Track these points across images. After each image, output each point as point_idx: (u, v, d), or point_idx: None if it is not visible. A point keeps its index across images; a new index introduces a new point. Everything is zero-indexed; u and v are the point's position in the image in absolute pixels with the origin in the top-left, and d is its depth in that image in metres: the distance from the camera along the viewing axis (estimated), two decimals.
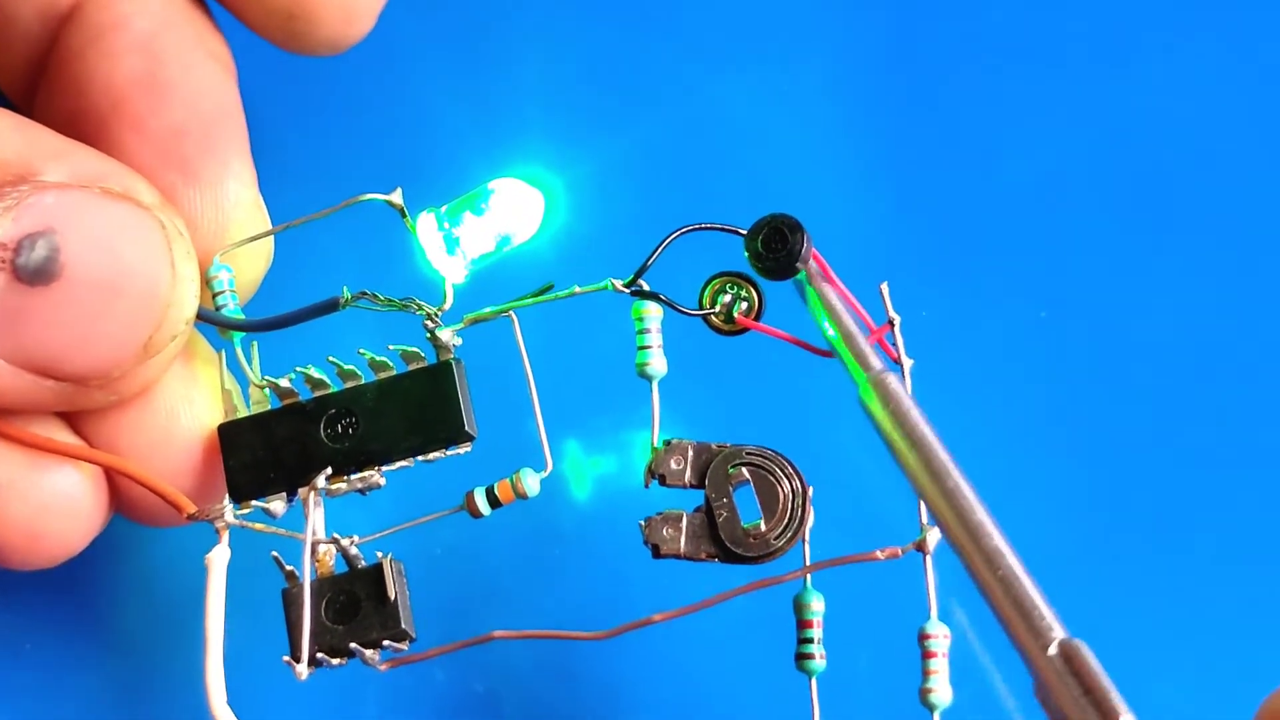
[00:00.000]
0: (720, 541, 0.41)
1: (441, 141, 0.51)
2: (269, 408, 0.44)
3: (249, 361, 0.44)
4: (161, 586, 0.49)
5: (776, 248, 0.41)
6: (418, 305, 0.42)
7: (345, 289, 0.42)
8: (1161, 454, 0.49)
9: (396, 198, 0.43)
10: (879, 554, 0.40)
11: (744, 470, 0.41)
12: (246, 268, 0.45)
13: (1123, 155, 0.51)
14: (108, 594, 0.48)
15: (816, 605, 0.41)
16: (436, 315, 0.43)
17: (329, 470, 0.43)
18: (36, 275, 0.38)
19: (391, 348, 0.43)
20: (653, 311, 0.42)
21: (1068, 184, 0.51)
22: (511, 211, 0.43)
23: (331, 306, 0.42)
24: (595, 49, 0.52)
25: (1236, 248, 0.51)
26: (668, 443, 0.42)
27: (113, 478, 0.44)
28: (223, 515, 0.43)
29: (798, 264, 0.40)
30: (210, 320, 0.44)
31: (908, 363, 0.41)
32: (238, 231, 0.45)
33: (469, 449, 0.43)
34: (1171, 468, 0.49)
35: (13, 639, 0.48)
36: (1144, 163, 0.51)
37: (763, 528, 0.41)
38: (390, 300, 0.42)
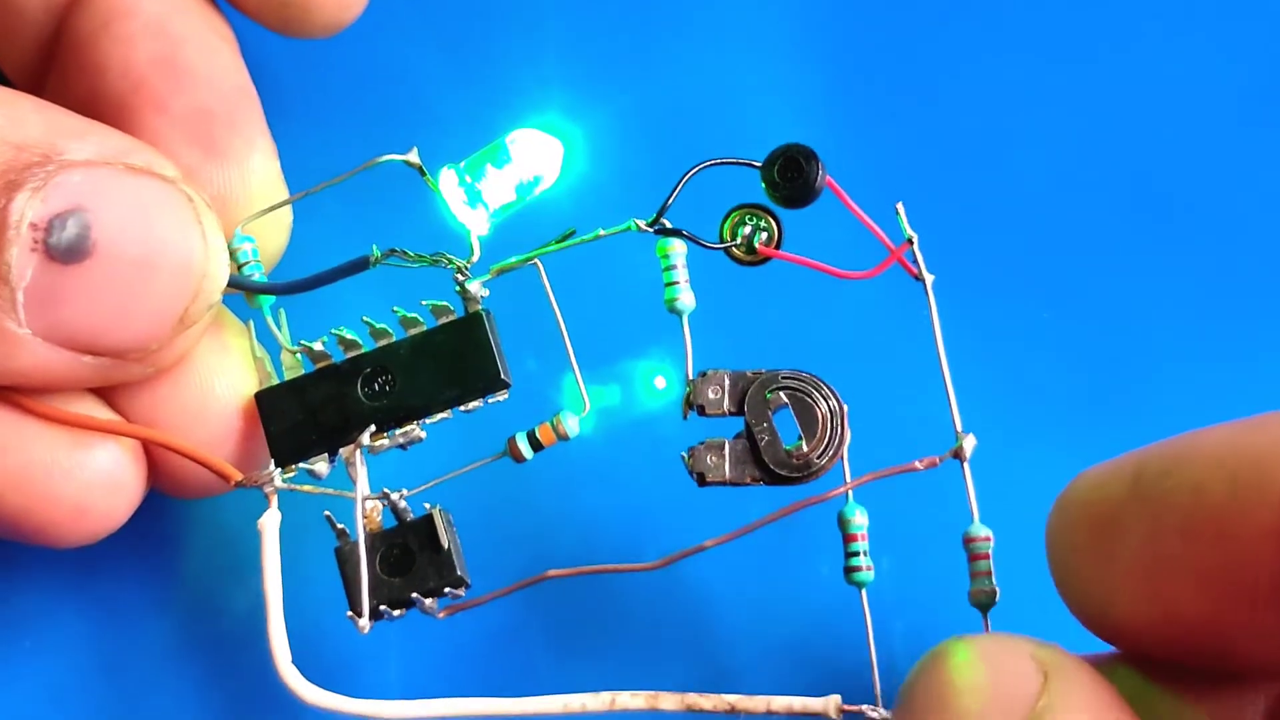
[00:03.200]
0: (764, 465, 0.42)
1: (454, 98, 0.51)
2: (302, 372, 0.45)
3: (279, 329, 0.45)
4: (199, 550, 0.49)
5: (792, 176, 0.42)
6: (447, 259, 0.43)
7: (375, 247, 0.43)
8: None
9: (413, 157, 0.44)
10: (918, 464, 0.41)
11: (781, 394, 0.42)
12: (270, 238, 0.46)
13: (1127, 148, 0.52)
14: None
15: (860, 519, 0.42)
16: (466, 268, 0.43)
17: (372, 428, 0.44)
18: (69, 254, 0.39)
19: (423, 303, 0.44)
20: (677, 248, 0.43)
21: (1073, 176, 0.52)
22: (532, 161, 0.44)
23: (361, 265, 0.43)
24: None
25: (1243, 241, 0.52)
26: (703, 374, 0.43)
27: (151, 451, 0.44)
28: (271, 480, 0.44)
29: (815, 190, 0.42)
30: (241, 286, 0.44)
31: (929, 278, 0.42)
32: (265, 205, 0.45)
33: (506, 396, 0.44)
34: None
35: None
36: (1148, 157, 0.52)
37: (804, 448, 0.42)
38: (420, 256, 0.43)
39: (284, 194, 0.46)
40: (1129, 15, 0.53)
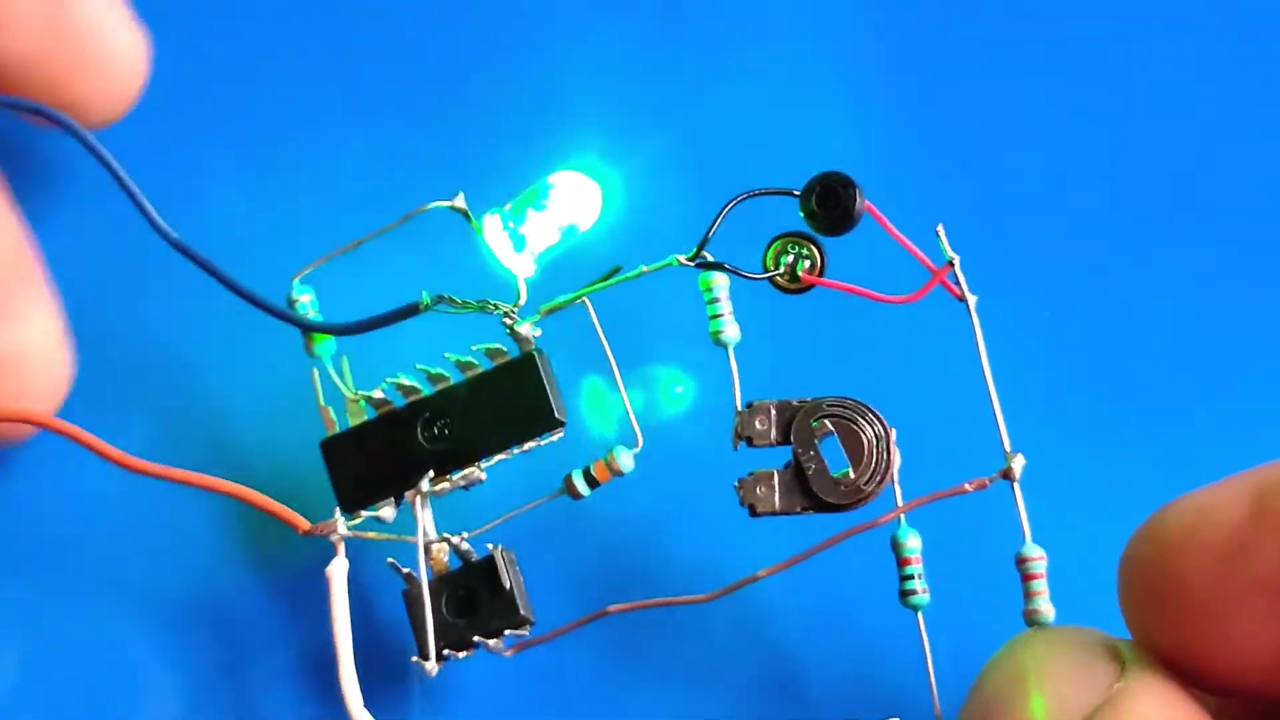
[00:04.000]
0: (812, 494, 0.42)
1: (493, 141, 0.51)
2: (365, 419, 0.46)
3: (341, 376, 0.46)
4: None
5: (831, 205, 0.42)
6: (494, 305, 0.44)
7: (425, 293, 0.44)
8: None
9: (460, 202, 0.44)
10: (968, 486, 0.41)
11: (827, 422, 0.42)
12: None
13: (1135, 147, 0.51)
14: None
15: (913, 542, 0.42)
16: (513, 312, 0.44)
17: (431, 473, 0.44)
18: None
19: (475, 348, 0.44)
20: (720, 281, 0.43)
21: (1079, 175, 0.51)
22: (572, 203, 0.45)
23: (412, 311, 0.44)
24: (638, 39, 0.52)
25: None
26: (749, 405, 0.43)
27: None
28: (336, 529, 0.45)
29: (854, 218, 0.42)
30: (296, 323, 0.45)
31: (972, 299, 0.42)
32: (45, 362, 0.46)
33: (561, 435, 0.44)
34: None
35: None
36: (1155, 155, 0.51)
37: (851, 476, 0.42)
38: (467, 303, 0.44)
39: (65, 347, 0.46)
40: (1184, 42, 0.52)
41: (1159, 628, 0.36)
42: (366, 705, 0.43)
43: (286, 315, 0.45)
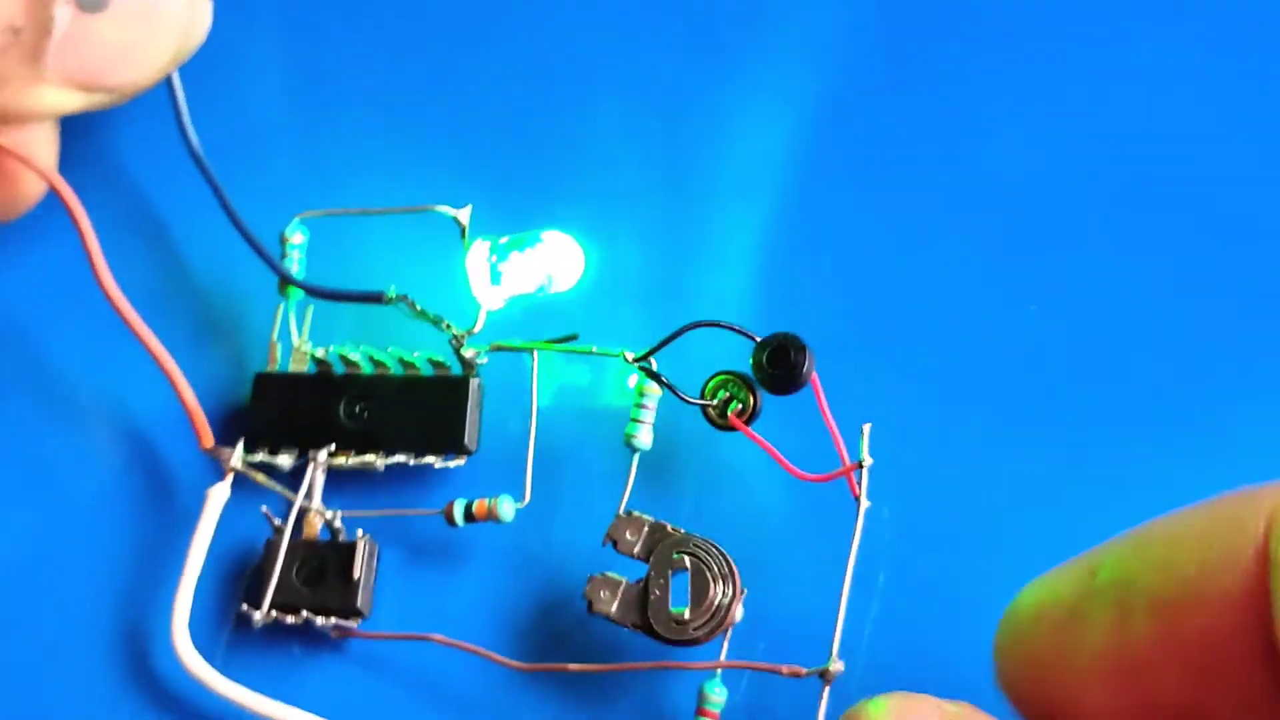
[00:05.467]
0: (645, 617, 0.44)
1: (513, 186, 0.52)
2: (305, 371, 0.48)
3: (299, 324, 0.48)
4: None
5: (778, 365, 0.43)
6: (446, 325, 0.46)
7: (392, 287, 0.46)
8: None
9: (464, 216, 0.46)
10: (783, 669, 0.43)
11: (686, 559, 0.44)
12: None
13: (1114, 155, 0.51)
14: None
15: (717, 697, 0.43)
16: (463, 337, 0.46)
17: (333, 445, 0.47)
18: (93, 5, 0.42)
19: (418, 354, 0.47)
20: (653, 389, 0.45)
21: (1056, 188, 0.51)
22: (554, 260, 0.46)
23: (375, 298, 0.46)
24: (669, 128, 0.52)
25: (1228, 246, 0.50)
26: (630, 513, 0.44)
27: None
28: (231, 458, 0.47)
29: (797, 384, 0.43)
30: (274, 269, 0.47)
31: (865, 504, 0.43)
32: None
33: (464, 462, 0.46)
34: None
35: None
36: (1135, 163, 0.51)
37: (686, 616, 0.43)
38: (424, 312, 0.46)
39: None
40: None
41: (1025, 704, 0.38)
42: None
43: (267, 258, 0.47)
